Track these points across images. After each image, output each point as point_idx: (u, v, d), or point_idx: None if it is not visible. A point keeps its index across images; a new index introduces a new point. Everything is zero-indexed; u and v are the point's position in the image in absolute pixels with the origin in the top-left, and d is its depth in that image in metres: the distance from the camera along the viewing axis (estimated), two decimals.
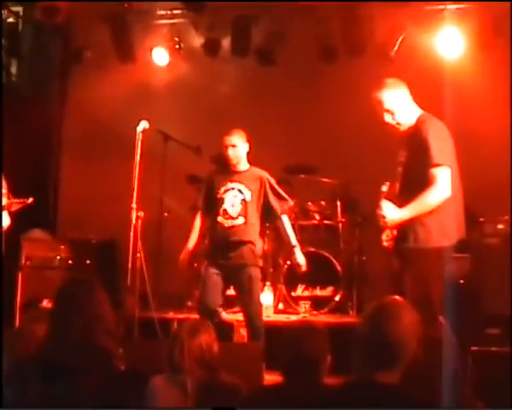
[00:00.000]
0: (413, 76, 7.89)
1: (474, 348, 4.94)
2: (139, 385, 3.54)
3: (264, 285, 7.33)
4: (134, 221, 5.83)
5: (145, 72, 8.68)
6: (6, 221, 6.29)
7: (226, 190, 6.10)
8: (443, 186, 4.72)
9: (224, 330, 6.58)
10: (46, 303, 6.96)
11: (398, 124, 4.95)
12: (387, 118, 4.94)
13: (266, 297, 7.28)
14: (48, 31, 8.25)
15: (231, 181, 6.13)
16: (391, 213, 4.77)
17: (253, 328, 5.98)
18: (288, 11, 7.73)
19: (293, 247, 6.21)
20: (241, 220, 6.04)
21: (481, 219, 6.94)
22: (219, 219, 6.03)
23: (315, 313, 7.20)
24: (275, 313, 7.38)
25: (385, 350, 2.81)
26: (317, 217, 7.75)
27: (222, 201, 6.06)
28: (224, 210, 6.05)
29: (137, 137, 5.84)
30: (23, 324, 6.73)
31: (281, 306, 7.46)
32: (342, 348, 3.39)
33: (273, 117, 8.61)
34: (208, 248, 6.29)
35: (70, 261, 7.39)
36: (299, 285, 7.43)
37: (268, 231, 7.57)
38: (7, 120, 6.92)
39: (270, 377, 4.93)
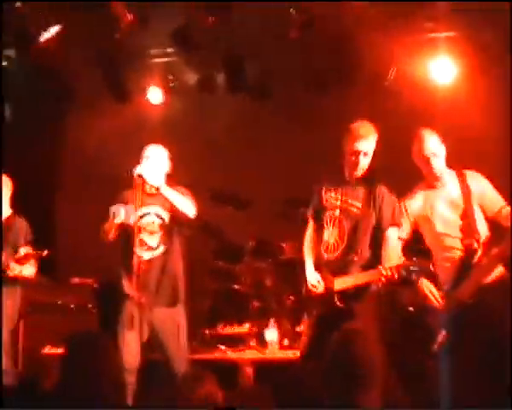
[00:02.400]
0: (406, 104, 7.98)
1: None
2: None
3: (269, 321, 7.30)
4: (136, 266, 5.33)
5: (140, 111, 8.68)
6: (31, 270, 6.13)
7: (141, 217, 5.46)
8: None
9: (229, 370, 6.52)
10: (48, 350, 6.91)
11: (362, 167, 5.12)
12: (360, 157, 5.07)
13: (271, 333, 7.24)
14: (42, 73, 8.25)
15: (146, 205, 5.50)
16: None
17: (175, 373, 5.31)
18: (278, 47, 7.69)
19: None
20: (161, 249, 5.51)
21: None
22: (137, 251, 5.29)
23: None
24: (280, 349, 7.31)
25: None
26: None
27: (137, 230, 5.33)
28: (141, 240, 5.42)
29: (136, 180, 5.45)
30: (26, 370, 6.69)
31: (286, 342, 7.38)
32: None
33: (270, 150, 8.59)
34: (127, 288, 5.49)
35: (71, 306, 7.34)
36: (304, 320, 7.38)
37: (269, 267, 7.55)
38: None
39: None
